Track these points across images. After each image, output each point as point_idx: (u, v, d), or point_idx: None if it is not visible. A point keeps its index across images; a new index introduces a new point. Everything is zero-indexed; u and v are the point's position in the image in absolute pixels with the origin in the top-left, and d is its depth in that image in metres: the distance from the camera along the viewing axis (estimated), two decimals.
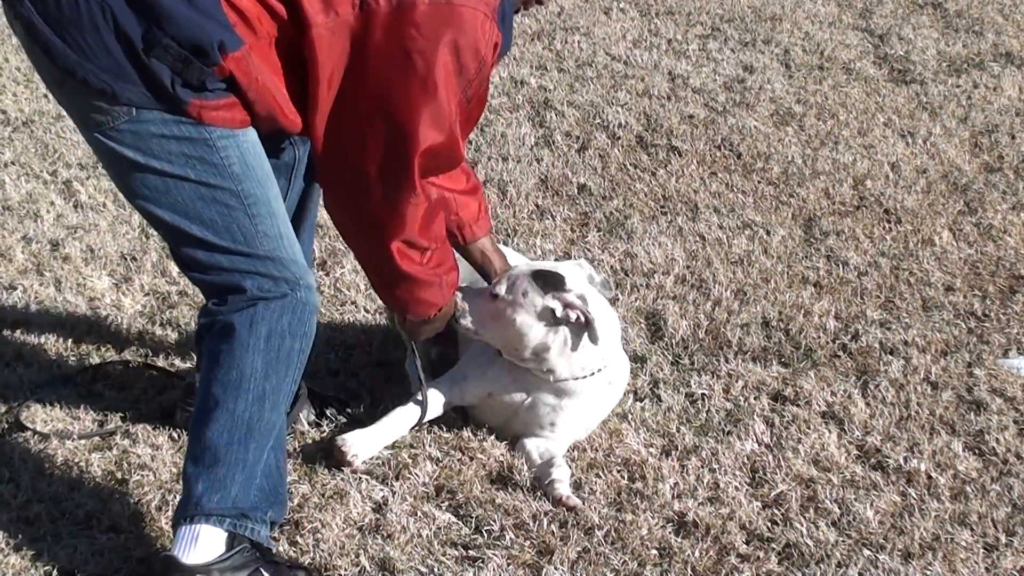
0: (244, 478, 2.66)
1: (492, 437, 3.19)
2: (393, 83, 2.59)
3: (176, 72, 2.51)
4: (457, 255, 3.06)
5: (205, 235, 2.64)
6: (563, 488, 2.97)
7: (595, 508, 2.95)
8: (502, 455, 3.13)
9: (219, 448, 2.65)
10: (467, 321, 3.08)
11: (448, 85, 2.59)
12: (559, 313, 3.02)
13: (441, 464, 3.10)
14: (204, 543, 2.61)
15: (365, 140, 2.63)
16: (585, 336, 3.03)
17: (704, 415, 3.32)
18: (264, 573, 2.64)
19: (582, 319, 3.00)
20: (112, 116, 2.55)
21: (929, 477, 3.11)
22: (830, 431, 3.27)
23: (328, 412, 3.26)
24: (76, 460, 3.06)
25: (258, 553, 2.66)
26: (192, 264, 2.69)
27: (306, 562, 2.77)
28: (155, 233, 4.13)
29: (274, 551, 2.74)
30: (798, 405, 3.38)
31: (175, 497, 2.93)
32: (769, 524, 2.94)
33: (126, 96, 2.52)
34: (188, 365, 3.43)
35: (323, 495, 2.97)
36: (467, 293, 3.08)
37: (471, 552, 2.82)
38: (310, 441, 3.17)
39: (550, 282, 3.04)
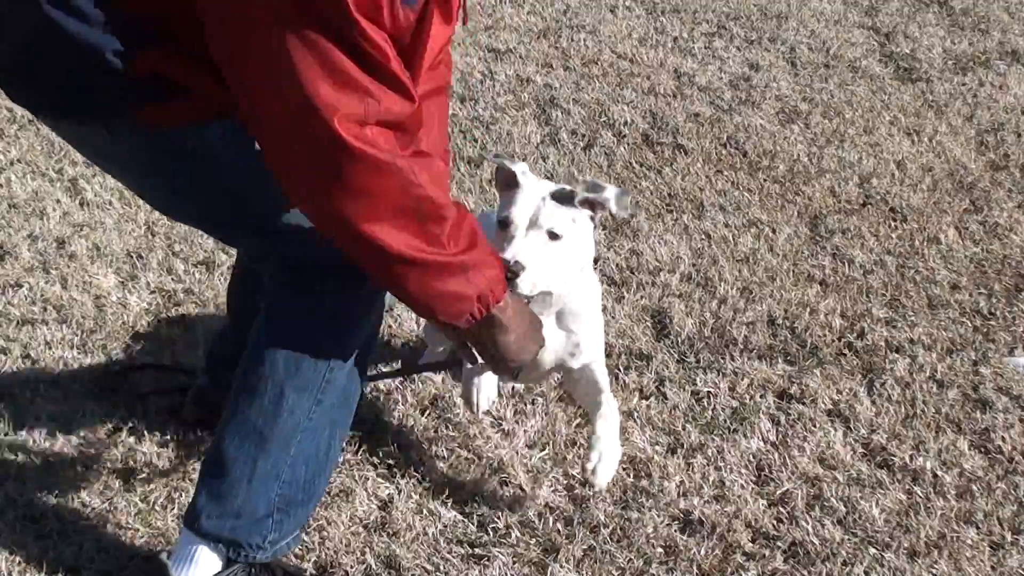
0: (249, 493, 2.51)
1: (498, 435, 3.20)
2: None
3: (107, 89, 2.27)
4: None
5: (225, 233, 2.55)
6: (593, 476, 2.75)
7: (601, 506, 2.95)
8: (508, 454, 3.13)
9: (227, 458, 2.51)
10: (526, 282, 2.58)
11: None
12: (598, 217, 2.75)
13: (447, 462, 3.10)
14: (201, 563, 2.55)
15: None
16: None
17: (710, 413, 3.32)
18: None
19: (603, 210, 2.74)
20: (97, 139, 2.41)
21: (935, 475, 3.11)
22: (836, 429, 3.27)
23: None
24: (82, 457, 3.07)
25: (255, 569, 2.58)
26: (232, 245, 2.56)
27: (312, 559, 2.77)
28: (161, 231, 4.14)
29: (274, 566, 2.64)
30: (804, 403, 3.38)
31: (181, 495, 2.93)
32: (775, 522, 2.94)
33: (88, 119, 2.35)
34: (194, 363, 3.43)
35: (329, 493, 2.98)
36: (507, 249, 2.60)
37: (477, 550, 2.83)
38: None
39: (567, 196, 2.70)
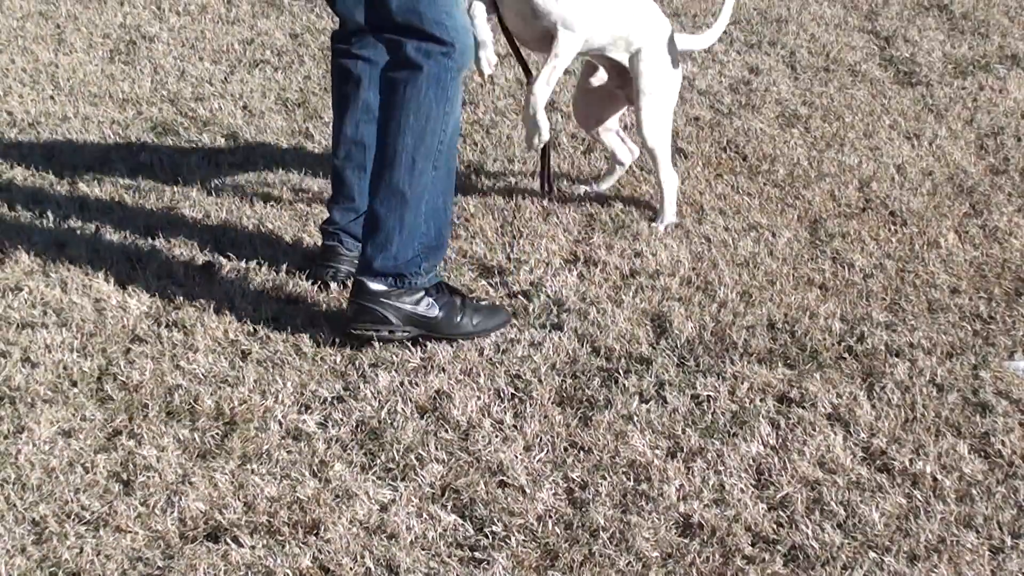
0: (403, 238, 3.38)
1: (497, 438, 3.20)
2: None
3: None
4: None
5: None
6: None
7: (600, 510, 2.95)
8: (507, 456, 3.13)
9: (379, 217, 3.38)
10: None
11: None
12: None
13: (447, 465, 3.10)
14: (375, 286, 3.43)
15: None
16: None
17: (710, 417, 3.32)
18: (428, 298, 3.45)
19: None
20: None
21: (935, 479, 3.11)
22: (836, 433, 3.27)
23: (334, 416, 3.26)
24: (82, 461, 3.07)
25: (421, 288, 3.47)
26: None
27: (310, 559, 2.77)
28: (161, 234, 4.14)
29: (434, 284, 3.50)
30: (804, 407, 3.38)
31: (180, 499, 2.94)
32: (775, 526, 2.94)
33: None
34: (193, 367, 3.44)
35: (330, 495, 2.98)
36: None
37: (476, 554, 2.83)
38: (319, 442, 3.17)
39: None
